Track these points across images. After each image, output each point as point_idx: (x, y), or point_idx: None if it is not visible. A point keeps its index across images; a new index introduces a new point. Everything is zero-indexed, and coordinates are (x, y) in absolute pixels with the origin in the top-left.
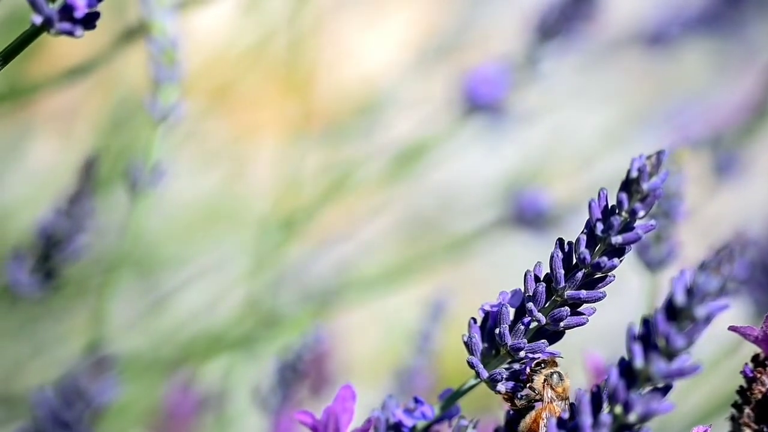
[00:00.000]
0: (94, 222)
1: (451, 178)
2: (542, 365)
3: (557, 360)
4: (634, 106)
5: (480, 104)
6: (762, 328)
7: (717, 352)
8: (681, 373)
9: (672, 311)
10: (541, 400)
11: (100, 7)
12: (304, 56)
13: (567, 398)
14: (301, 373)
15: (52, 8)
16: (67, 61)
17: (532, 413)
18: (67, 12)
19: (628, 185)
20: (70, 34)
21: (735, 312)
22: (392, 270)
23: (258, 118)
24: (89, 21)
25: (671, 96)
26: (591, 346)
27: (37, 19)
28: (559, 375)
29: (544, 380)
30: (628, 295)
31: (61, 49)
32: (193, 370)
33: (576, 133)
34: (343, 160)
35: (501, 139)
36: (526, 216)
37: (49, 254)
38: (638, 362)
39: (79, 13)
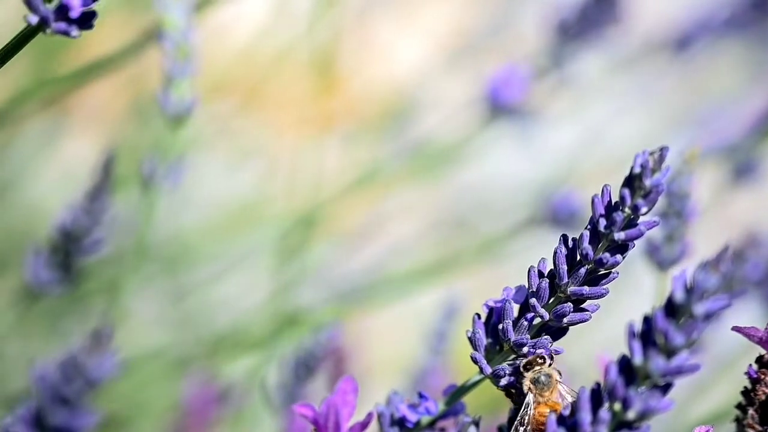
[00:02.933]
0: (110, 217)
1: (484, 179)
2: (532, 365)
3: (556, 357)
4: (667, 109)
5: (501, 105)
6: (766, 329)
7: (738, 353)
8: (680, 371)
9: (671, 309)
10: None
11: (96, 6)
12: (336, 56)
13: (556, 400)
14: (314, 369)
15: (48, 8)
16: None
17: (525, 417)
18: (62, 12)
19: (631, 181)
20: (66, 34)
21: (752, 314)
22: (423, 271)
23: (291, 116)
24: (85, 21)
25: (704, 100)
26: (613, 349)
27: (33, 19)
28: (548, 376)
29: (531, 381)
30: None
31: (92, 47)
32: (216, 367)
33: (609, 136)
34: (373, 158)
35: (534, 140)
36: (560, 217)
37: (67, 250)
38: (637, 359)
39: (75, 13)
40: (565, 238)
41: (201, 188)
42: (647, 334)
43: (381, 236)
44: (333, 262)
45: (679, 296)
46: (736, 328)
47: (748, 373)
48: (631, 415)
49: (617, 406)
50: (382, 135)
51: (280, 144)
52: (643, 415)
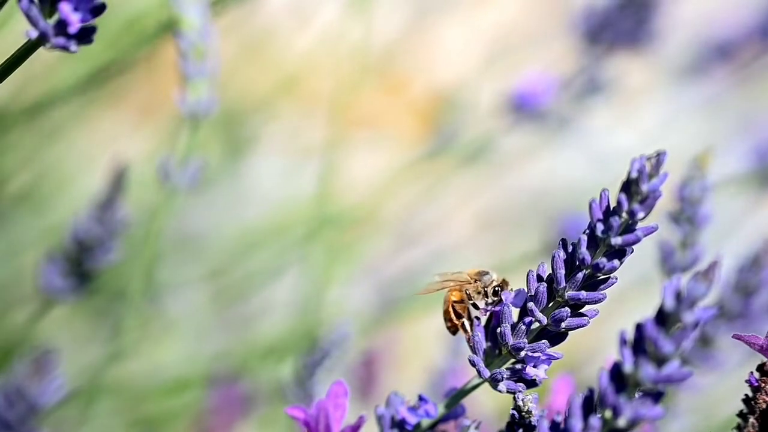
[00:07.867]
0: (124, 228)
1: (542, 182)
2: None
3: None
4: (723, 115)
5: (526, 110)
6: (767, 337)
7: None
8: (669, 379)
9: (662, 317)
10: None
11: (94, 22)
12: (395, 57)
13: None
14: (327, 369)
15: (48, 23)
16: None
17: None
18: (62, 27)
19: (628, 186)
20: (65, 49)
21: None
22: None
23: (348, 116)
24: (84, 36)
25: (760, 106)
26: None
27: (33, 34)
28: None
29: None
30: None
31: None
32: (250, 371)
33: (666, 141)
34: (430, 158)
35: (590, 144)
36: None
37: (80, 258)
38: (627, 367)
39: (73, 29)
40: (564, 242)
41: (259, 188)
42: (639, 342)
43: (435, 236)
44: (384, 262)
45: (670, 304)
46: (737, 336)
47: (749, 381)
48: (621, 422)
49: (608, 414)
50: (437, 135)
51: (335, 143)
52: (634, 423)
